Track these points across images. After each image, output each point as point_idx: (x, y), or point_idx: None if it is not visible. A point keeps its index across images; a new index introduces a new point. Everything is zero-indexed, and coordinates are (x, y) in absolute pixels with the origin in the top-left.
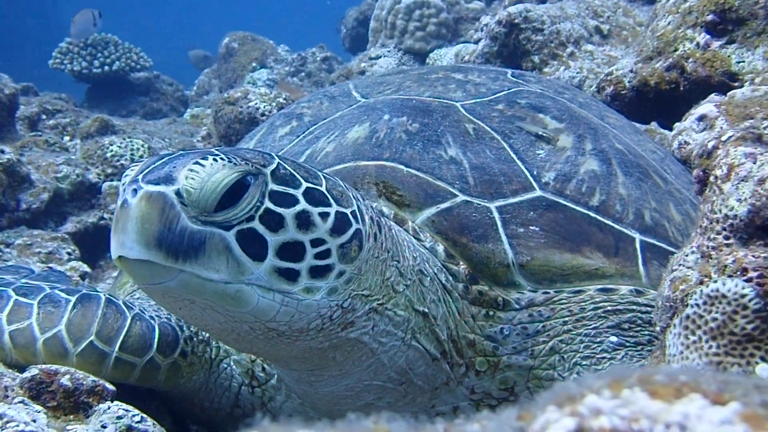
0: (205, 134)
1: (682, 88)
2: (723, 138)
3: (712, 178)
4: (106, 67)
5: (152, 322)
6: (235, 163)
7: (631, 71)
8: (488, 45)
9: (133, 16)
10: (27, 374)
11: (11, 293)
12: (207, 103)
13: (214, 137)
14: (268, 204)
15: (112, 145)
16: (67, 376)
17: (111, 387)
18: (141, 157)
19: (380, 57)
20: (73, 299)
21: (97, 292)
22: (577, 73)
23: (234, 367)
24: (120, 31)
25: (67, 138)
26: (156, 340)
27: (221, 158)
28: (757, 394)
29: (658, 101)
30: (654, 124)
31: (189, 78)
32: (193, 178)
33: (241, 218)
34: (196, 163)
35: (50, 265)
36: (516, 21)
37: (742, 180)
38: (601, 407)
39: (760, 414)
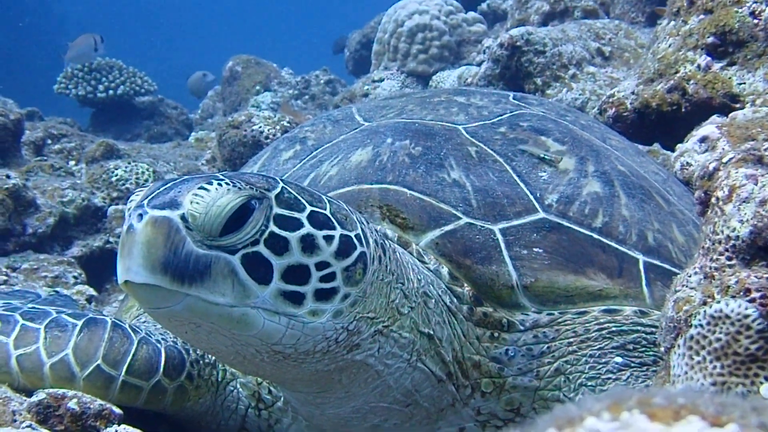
0: (210, 157)
1: (683, 110)
2: (724, 160)
3: (713, 200)
4: (111, 92)
5: (158, 345)
6: (239, 188)
7: (633, 93)
8: (491, 67)
9: (136, 40)
10: (34, 398)
11: (18, 318)
12: (211, 126)
13: (219, 160)
14: (272, 228)
15: (117, 169)
16: (75, 400)
17: (118, 410)
18: (146, 181)
19: (383, 80)
20: (79, 323)
21: (104, 316)
22: (580, 94)
23: (240, 389)
24: (124, 56)
25: (72, 162)
26: (162, 363)
27: (226, 183)
28: (755, 416)
29: (660, 123)
30: (656, 145)
31: (193, 101)
32: (198, 203)
33: (246, 242)
34: (201, 188)
35: (57, 288)
36: (518, 43)
37: (744, 201)
38: (601, 430)
39: None
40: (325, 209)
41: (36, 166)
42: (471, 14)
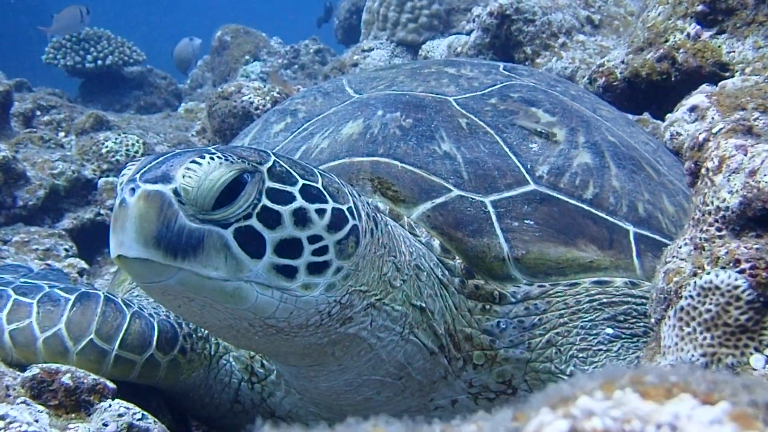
0: (200, 129)
1: (673, 79)
2: (714, 130)
3: (703, 171)
4: (99, 62)
5: (151, 319)
6: (231, 161)
7: (623, 62)
8: (480, 36)
9: (124, 9)
10: (28, 373)
11: (11, 292)
12: (201, 96)
13: (209, 132)
14: (265, 201)
15: (107, 141)
16: (68, 375)
17: (112, 385)
18: (136, 152)
19: (373, 49)
20: (72, 298)
21: (96, 290)
22: (570, 63)
23: (233, 363)
24: (112, 25)
25: (62, 134)
26: (155, 337)
27: (218, 156)
28: (746, 394)
29: (650, 92)
30: (646, 114)
31: (183, 74)
32: (190, 177)
33: (238, 216)
34: (193, 161)
35: (48, 261)
36: (507, 12)
37: (734, 172)
38: (594, 408)
39: (749, 413)
40: (317, 182)
41: (25, 137)
42: None
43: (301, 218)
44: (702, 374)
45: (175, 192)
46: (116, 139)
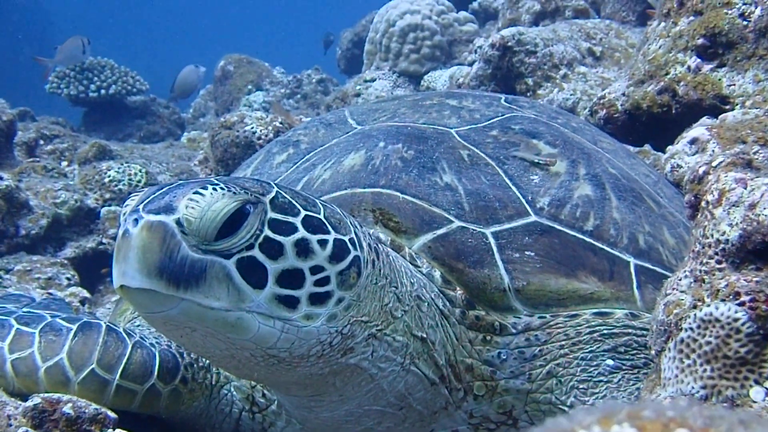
0: (202, 158)
1: (674, 111)
2: (714, 163)
3: (703, 204)
4: (103, 91)
5: (153, 349)
6: (234, 192)
7: (624, 95)
8: (482, 68)
9: (127, 39)
10: (30, 403)
11: (13, 322)
12: (203, 126)
13: (212, 161)
14: (267, 232)
15: (109, 170)
16: (70, 405)
17: (112, 415)
18: (139, 182)
19: (375, 79)
20: (74, 327)
21: (98, 320)
22: (571, 94)
23: (234, 393)
24: (114, 55)
25: (65, 163)
26: (157, 367)
27: (221, 187)
28: (742, 429)
29: (651, 124)
30: (647, 146)
31: (185, 100)
32: (193, 208)
33: (241, 247)
34: (196, 192)
35: (50, 290)
36: (509, 44)
37: (733, 205)
38: None
39: None
40: (319, 213)
41: (29, 167)
42: (462, 14)
43: (303, 249)
44: (699, 409)
45: (178, 222)
46: (119, 168)
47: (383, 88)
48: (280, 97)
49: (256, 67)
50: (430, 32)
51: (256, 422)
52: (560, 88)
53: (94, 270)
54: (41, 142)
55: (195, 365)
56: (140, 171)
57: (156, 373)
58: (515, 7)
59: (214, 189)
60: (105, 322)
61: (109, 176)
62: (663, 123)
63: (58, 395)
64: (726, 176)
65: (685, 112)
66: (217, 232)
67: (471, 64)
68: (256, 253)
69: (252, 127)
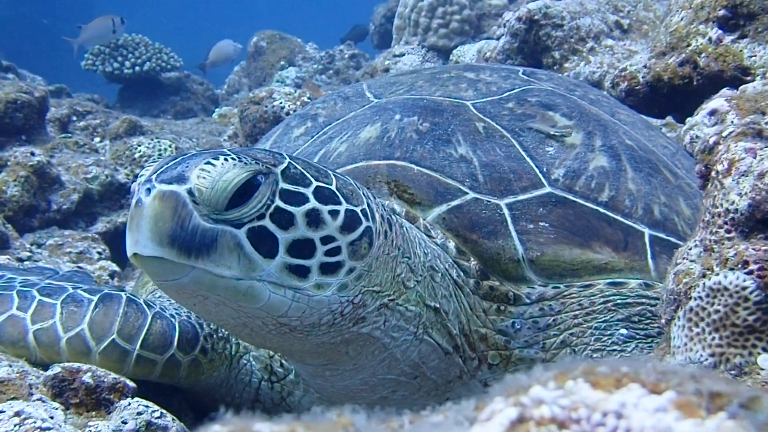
0: (232, 133)
1: (695, 83)
2: (724, 133)
3: (713, 173)
4: (137, 68)
5: (172, 320)
6: (245, 163)
7: (645, 67)
8: (509, 41)
9: (160, 17)
10: (50, 372)
11: (35, 293)
12: (236, 102)
13: (240, 136)
14: (278, 202)
15: (140, 145)
16: (89, 374)
17: (132, 384)
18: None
19: (404, 54)
20: (95, 299)
21: (119, 291)
22: (598, 68)
23: (253, 362)
24: (148, 32)
25: (97, 139)
26: (176, 337)
27: (232, 158)
28: (692, 383)
29: (672, 96)
30: (669, 118)
31: (219, 77)
32: (204, 178)
33: (252, 216)
34: (208, 162)
35: (80, 264)
36: (536, 17)
37: (743, 175)
38: (544, 397)
39: (693, 401)
40: (331, 184)
41: (61, 143)
42: None
43: (314, 219)
44: (653, 366)
45: (190, 192)
46: (149, 143)
47: (412, 62)
48: (312, 73)
49: (289, 43)
50: (459, 6)
51: (275, 391)
52: (587, 62)
53: (124, 244)
54: (74, 118)
55: (215, 335)
56: (170, 146)
57: (176, 343)
58: None
59: (225, 159)
60: (126, 293)
61: (139, 151)
62: (684, 95)
63: (78, 365)
64: (736, 146)
65: (707, 83)
66: (228, 202)
67: (499, 38)
68: (266, 222)
69: (280, 102)
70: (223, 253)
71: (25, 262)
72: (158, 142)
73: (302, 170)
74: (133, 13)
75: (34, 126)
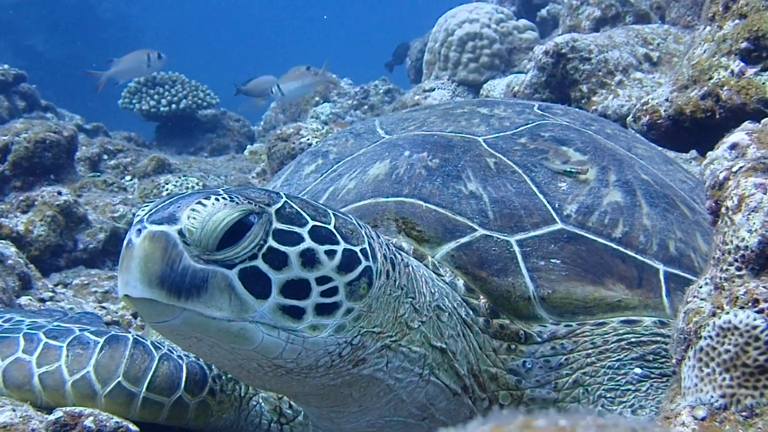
0: (260, 170)
1: (717, 116)
2: (734, 169)
3: (723, 209)
4: (174, 106)
5: (180, 361)
6: (237, 203)
7: (667, 100)
8: (536, 75)
9: (201, 53)
10: (52, 417)
11: (42, 336)
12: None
13: (269, 173)
14: (271, 242)
15: (167, 183)
16: (91, 418)
17: (134, 428)
18: None
19: (434, 89)
20: (101, 341)
21: (126, 333)
22: (626, 101)
23: (263, 404)
24: (184, 69)
25: (127, 177)
26: (184, 379)
27: (223, 198)
28: None
29: (695, 130)
30: (693, 153)
31: (257, 113)
32: (195, 218)
33: (244, 257)
34: (199, 203)
35: (104, 304)
36: (563, 51)
37: (753, 211)
38: None
39: None
40: (329, 224)
41: (89, 182)
42: (522, 21)
43: (309, 259)
44: (592, 419)
45: (180, 233)
46: (177, 181)
47: (442, 97)
48: (347, 108)
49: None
50: (488, 41)
51: None
52: (615, 95)
53: None
54: (105, 156)
55: (223, 377)
56: (197, 184)
57: (183, 385)
58: (575, 14)
59: (217, 199)
60: (132, 335)
61: (167, 189)
62: (707, 128)
63: (80, 409)
64: (746, 181)
65: (729, 116)
66: (218, 242)
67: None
68: (259, 263)
69: (308, 139)
70: (214, 294)
71: (47, 303)
72: (186, 180)
73: (298, 209)
74: (176, 51)
75: (63, 165)
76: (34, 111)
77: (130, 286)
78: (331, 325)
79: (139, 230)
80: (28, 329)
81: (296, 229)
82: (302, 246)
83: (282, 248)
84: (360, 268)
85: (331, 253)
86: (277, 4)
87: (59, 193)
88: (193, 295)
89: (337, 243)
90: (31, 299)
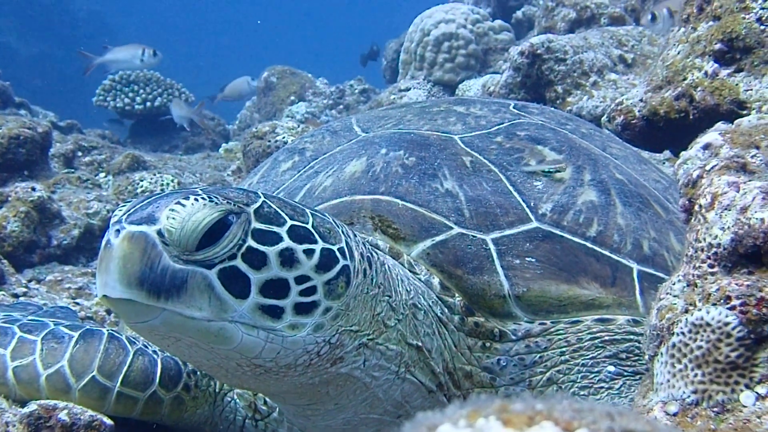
0: (236, 168)
1: (691, 117)
2: (707, 167)
3: (696, 207)
4: (148, 104)
5: (155, 356)
6: (216, 203)
7: (641, 101)
8: (511, 76)
9: (171, 53)
10: (26, 410)
11: (16, 330)
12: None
13: (244, 171)
14: (250, 242)
15: (142, 180)
16: (65, 411)
17: (109, 421)
18: None
19: (410, 89)
20: (76, 335)
21: (101, 328)
22: (601, 102)
23: (238, 400)
24: (160, 68)
25: (102, 174)
26: (158, 374)
27: (202, 198)
28: (607, 421)
29: (669, 130)
30: (667, 153)
31: (231, 112)
32: (174, 218)
33: (223, 257)
34: (177, 203)
35: (78, 300)
36: (538, 51)
37: (726, 209)
38: None
39: None
40: (307, 223)
41: (63, 178)
42: (498, 22)
43: (288, 258)
44: (569, 404)
45: (159, 233)
46: (151, 178)
47: (418, 97)
48: (322, 108)
49: (299, 78)
50: (464, 41)
51: (259, 429)
52: (590, 96)
53: None
54: (79, 153)
55: (198, 373)
56: (172, 181)
57: (158, 380)
58: (550, 15)
59: (196, 199)
60: (107, 330)
61: (141, 186)
62: (681, 129)
63: (54, 402)
64: (719, 180)
65: (703, 117)
66: (198, 243)
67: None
68: (238, 263)
69: (284, 137)
70: (193, 295)
71: (20, 298)
72: (161, 177)
73: (277, 209)
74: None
75: (37, 161)
76: (7, 108)
77: (109, 286)
78: (310, 323)
79: (118, 231)
80: (2, 323)
81: (275, 228)
82: (281, 245)
83: (261, 248)
84: (338, 267)
85: (309, 253)
86: (255, 3)
87: (33, 189)
88: (172, 296)
89: (316, 242)
90: (4, 295)
